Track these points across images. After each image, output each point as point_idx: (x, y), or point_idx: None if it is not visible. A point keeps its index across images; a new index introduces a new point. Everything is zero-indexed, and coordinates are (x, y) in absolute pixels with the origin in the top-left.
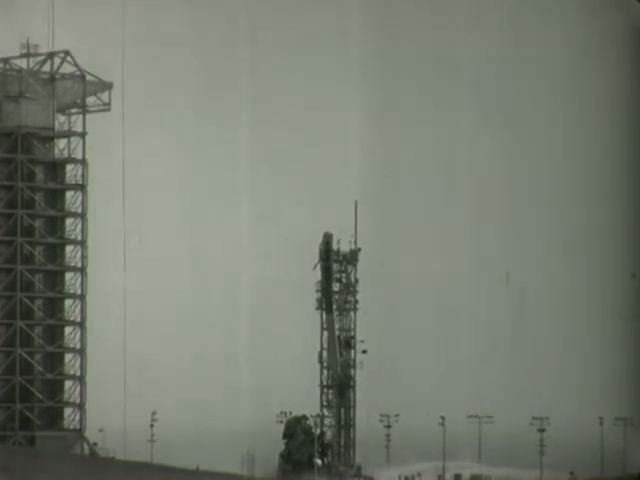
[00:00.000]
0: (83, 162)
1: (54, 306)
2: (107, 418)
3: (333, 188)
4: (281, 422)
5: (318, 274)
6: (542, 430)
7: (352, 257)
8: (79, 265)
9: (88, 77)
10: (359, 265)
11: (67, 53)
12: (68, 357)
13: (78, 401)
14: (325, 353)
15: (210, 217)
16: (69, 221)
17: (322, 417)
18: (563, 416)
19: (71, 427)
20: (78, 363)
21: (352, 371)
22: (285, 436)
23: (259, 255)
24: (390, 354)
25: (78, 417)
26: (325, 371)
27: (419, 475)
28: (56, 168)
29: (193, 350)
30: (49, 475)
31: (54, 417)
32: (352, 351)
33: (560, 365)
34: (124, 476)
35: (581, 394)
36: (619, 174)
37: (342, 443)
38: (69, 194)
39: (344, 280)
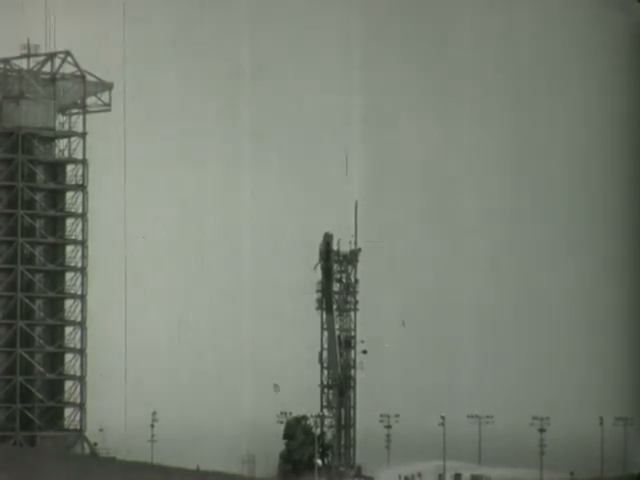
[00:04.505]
0: (83, 162)
1: (54, 306)
2: (107, 418)
3: (333, 188)
4: (281, 422)
5: (318, 274)
6: (542, 430)
7: (352, 257)
8: (79, 265)
9: (88, 77)
10: (359, 265)
11: (67, 53)
12: (68, 357)
13: (78, 401)
14: (325, 353)
15: (211, 217)
16: (69, 221)
17: (322, 417)
18: (563, 416)
19: (71, 427)
20: (78, 363)
21: (352, 371)
22: (285, 436)
23: (260, 255)
24: (390, 354)
25: (78, 417)
26: (325, 371)
27: (419, 475)
28: (56, 168)
29: (193, 350)
30: (49, 475)
31: (54, 417)
32: (352, 351)
33: (560, 365)
34: (124, 476)
35: (581, 394)
36: (620, 174)
37: (342, 443)
38: (69, 194)
39: (344, 280)
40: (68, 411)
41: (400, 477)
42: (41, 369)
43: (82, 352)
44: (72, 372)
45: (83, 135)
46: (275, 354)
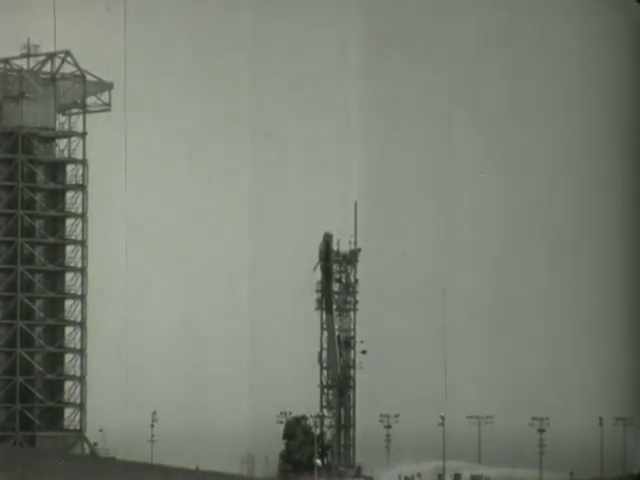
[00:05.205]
0: (83, 162)
1: (54, 306)
2: (107, 418)
3: (333, 188)
4: (281, 422)
5: (318, 274)
6: (542, 430)
7: (352, 257)
8: (79, 265)
9: (88, 77)
10: (359, 265)
11: (67, 53)
12: (68, 357)
13: (78, 401)
14: (325, 353)
15: (211, 217)
16: (69, 221)
17: (322, 417)
18: (563, 416)
19: (71, 427)
20: (78, 363)
21: (352, 371)
22: (285, 436)
23: (259, 255)
24: (390, 354)
25: (78, 417)
26: (325, 371)
27: (419, 475)
28: (56, 168)
29: (193, 350)
30: (49, 475)
31: (54, 417)
32: (352, 351)
33: (560, 365)
34: (124, 476)
35: (581, 394)
36: (620, 174)
37: (342, 443)
38: (69, 194)
39: (344, 280)
40: (68, 411)
41: (400, 477)
42: (41, 369)
43: (82, 352)
44: (72, 372)
45: (83, 135)
46: (275, 354)
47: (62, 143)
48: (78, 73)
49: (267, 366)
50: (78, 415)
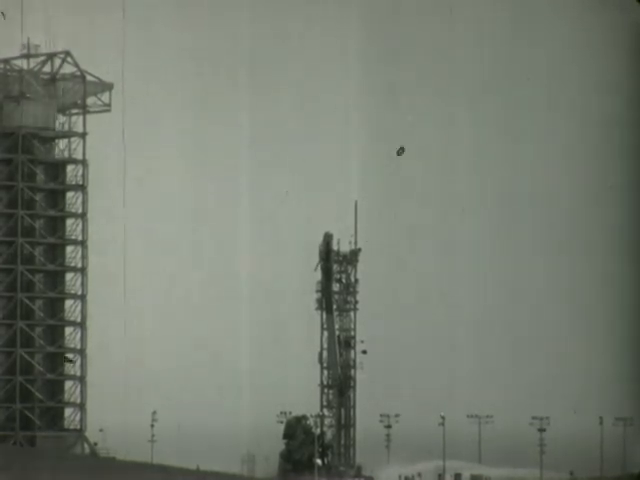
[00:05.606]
0: (83, 162)
1: (54, 306)
2: (107, 418)
3: (333, 188)
4: (281, 422)
5: (318, 274)
6: (542, 430)
7: (352, 257)
8: (79, 265)
9: (88, 77)
10: (359, 265)
11: (67, 54)
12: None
13: (78, 401)
14: (325, 353)
15: (211, 216)
16: (69, 221)
17: (322, 417)
18: (563, 416)
19: (72, 427)
20: (78, 363)
21: (352, 371)
22: (285, 436)
23: (259, 255)
24: (390, 354)
25: (78, 417)
26: (325, 371)
27: (419, 475)
28: (56, 168)
29: (193, 350)
30: (49, 475)
31: (54, 417)
32: (352, 351)
33: (560, 365)
34: (124, 476)
35: (581, 394)
36: (619, 174)
37: (342, 443)
38: (69, 194)
39: (344, 280)
40: (68, 411)
41: (400, 477)
42: (41, 369)
43: (82, 352)
44: (72, 372)
45: (83, 135)
46: (275, 354)
47: (62, 143)
48: (78, 73)
49: (267, 366)
50: (78, 415)
